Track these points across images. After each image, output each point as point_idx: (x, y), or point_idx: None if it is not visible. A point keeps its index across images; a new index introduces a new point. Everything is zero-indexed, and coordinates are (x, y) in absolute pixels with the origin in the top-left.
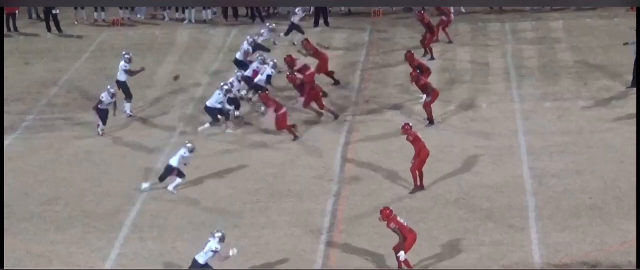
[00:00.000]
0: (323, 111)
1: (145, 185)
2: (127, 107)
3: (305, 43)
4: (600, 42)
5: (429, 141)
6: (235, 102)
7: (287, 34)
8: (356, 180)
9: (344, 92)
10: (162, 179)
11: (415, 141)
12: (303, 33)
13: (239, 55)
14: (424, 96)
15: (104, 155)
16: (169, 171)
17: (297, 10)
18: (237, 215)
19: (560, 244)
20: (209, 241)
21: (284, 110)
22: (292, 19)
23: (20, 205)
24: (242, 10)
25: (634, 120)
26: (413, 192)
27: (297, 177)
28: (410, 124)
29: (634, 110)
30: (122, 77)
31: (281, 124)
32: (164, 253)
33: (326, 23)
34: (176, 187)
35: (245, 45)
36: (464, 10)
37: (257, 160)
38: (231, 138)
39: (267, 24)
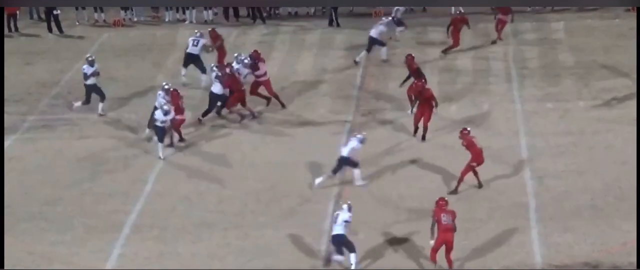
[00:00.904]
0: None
1: (318, 180)
2: (100, 106)
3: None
4: (601, 43)
5: (431, 141)
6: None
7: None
8: (357, 180)
9: (345, 91)
10: (335, 171)
11: (470, 146)
12: (405, 26)
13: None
14: (412, 107)
15: (105, 156)
16: (343, 163)
17: (397, 8)
18: (238, 216)
19: (561, 244)
20: (339, 214)
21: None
22: (394, 15)
23: (21, 205)
24: (242, 11)
25: (635, 121)
26: (451, 193)
27: (299, 177)
28: (468, 129)
29: (634, 111)
30: (91, 81)
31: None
32: (165, 253)
33: (337, 23)
34: (361, 179)
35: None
36: (462, 10)
37: (259, 160)
38: (233, 138)
39: (383, 18)
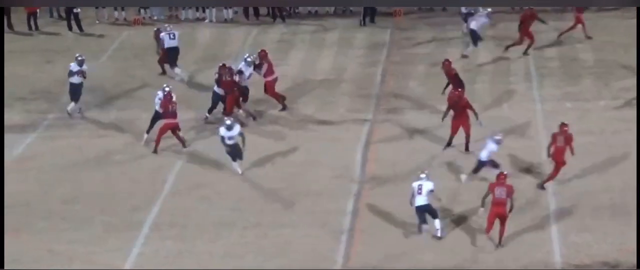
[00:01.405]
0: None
1: (464, 177)
2: (70, 106)
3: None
4: (621, 42)
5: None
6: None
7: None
8: (377, 180)
9: (364, 91)
10: (475, 171)
11: (568, 140)
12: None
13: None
14: (444, 116)
15: (124, 154)
16: (481, 165)
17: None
18: (257, 215)
19: (581, 243)
20: (422, 185)
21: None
22: (472, 25)
23: (40, 203)
24: (262, 10)
25: None
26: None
27: (318, 176)
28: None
29: None
30: (75, 79)
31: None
32: (184, 252)
33: (371, 21)
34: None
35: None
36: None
37: (278, 159)
38: (252, 138)
39: (481, 10)
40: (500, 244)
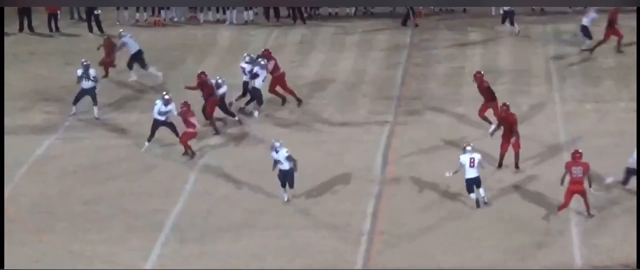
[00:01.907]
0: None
1: (610, 180)
2: (95, 110)
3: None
4: None
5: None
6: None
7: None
8: (397, 181)
9: (385, 92)
10: (624, 182)
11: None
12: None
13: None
14: (493, 131)
15: (144, 155)
16: (631, 174)
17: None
18: (278, 216)
19: (602, 246)
20: (474, 158)
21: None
22: (583, 21)
23: (61, 204)
24: (283, 11)
25: None
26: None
27: (338, 178)
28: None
29: None
30: (86, 84)
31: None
32: (205, 253)
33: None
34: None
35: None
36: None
37: (298, 160)
38: (272, 139)
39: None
40: (590, 214)
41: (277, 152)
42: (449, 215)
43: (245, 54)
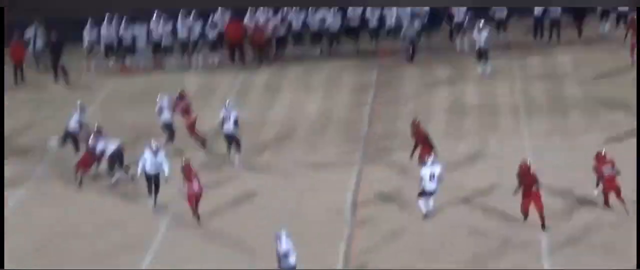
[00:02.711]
0: None
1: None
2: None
3: None
4: (608, 76)
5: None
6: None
7: None
8: (367, 221)
9: (353, 133)
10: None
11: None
12: None
13: None
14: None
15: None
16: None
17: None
18: (250, 260)
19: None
20: None
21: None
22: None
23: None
24: (249, 54)
25: None
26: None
27: (309, 220)
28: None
29: None
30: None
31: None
32: None
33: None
34: None
35: None
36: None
37: (267, 204)
38: (238, 183)
39: None
40: (626, 211)
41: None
42: (421, 255)
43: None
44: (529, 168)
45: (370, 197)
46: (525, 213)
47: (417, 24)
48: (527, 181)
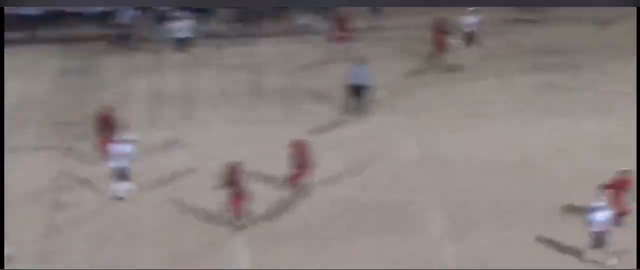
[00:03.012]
0: None
1: None
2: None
3: None
4: (310, 68)
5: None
6: None
7: None
8: (64, 206)
9: (51, 117)
10: None
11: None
12: None
13: None
14: None
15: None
16: None
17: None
18: None
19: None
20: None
21: None
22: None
23: None
24: None
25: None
26: None
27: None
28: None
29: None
30: None
31: None
32: None
33: None
34: None
35: None
36: None
37: None
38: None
39: None
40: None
41: None
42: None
43: None
44: (235, 168)
45: (68, 181)
46: (235, 213)
47: (131, 11)
48: (233, 181)
